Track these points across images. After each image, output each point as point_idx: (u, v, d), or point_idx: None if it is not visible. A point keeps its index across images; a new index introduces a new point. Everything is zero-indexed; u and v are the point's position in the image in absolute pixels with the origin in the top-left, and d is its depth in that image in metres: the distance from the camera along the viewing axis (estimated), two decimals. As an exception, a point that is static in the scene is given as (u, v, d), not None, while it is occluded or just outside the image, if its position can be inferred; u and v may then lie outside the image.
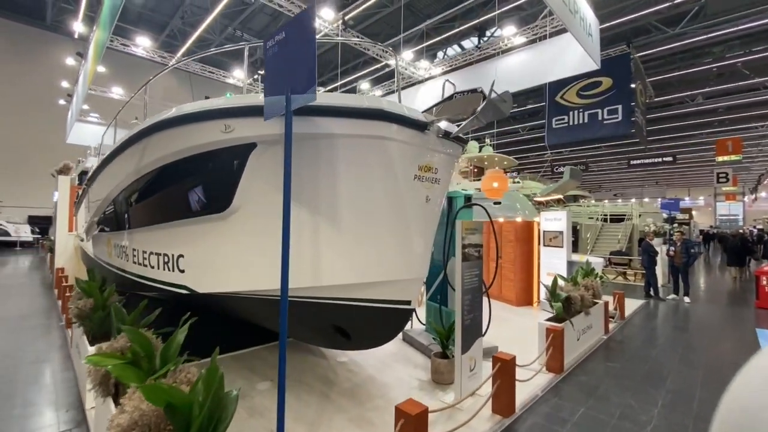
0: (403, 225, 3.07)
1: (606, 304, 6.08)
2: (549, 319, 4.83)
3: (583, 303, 5.02)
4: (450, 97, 3.15)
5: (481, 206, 4.92)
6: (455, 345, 3.73)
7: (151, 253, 3.94)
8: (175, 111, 3.16)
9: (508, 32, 12.85)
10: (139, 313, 3.02)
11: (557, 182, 17.19)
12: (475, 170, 20.80)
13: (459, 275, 3.71)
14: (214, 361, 2.10)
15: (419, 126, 2.97)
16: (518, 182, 17.94)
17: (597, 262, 8.23)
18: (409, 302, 3.24)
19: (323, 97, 2.77)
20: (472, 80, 12.03)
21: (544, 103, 15.39)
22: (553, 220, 7.51)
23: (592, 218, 18.07)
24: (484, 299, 4.76)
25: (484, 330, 4.91)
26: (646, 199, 41.28)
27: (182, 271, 3.63)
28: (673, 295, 9.15)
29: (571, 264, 7.23)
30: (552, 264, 7.47)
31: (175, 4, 22.05)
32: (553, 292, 4.94)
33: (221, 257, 3.38)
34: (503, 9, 13.19)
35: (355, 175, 2.90)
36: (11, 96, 23.70)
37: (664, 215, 23.64)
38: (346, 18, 14.92)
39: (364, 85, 20.44)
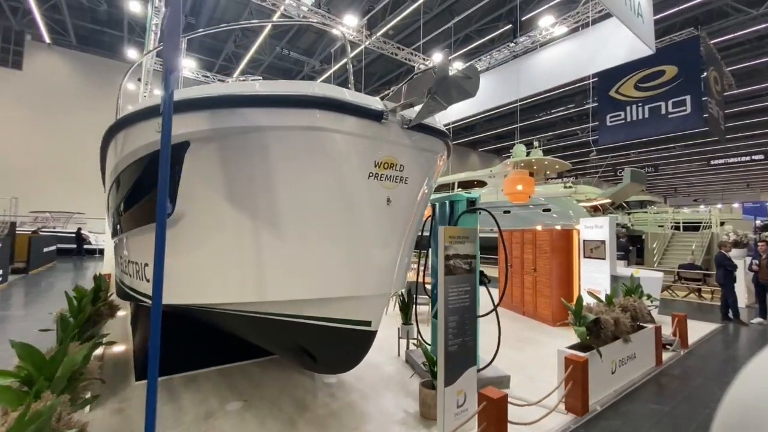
0: (355, 233, 2.63)
1: (658, 329, 5.00)
2: (573, 346, 4.01)
3: (618, 327, 4.11)
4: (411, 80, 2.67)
5: (487, 211, 4.28)
6: (437, 375, 3.15)
7: (129, 261, 3.89)
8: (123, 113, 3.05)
9: (546, 23, 11.81)
10: (81, 323, 2.89)
11: (618, 186, 15.40)
12: (523, 176, 19.42)
13: (442, 292, 3.15)
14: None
15: (371, 115, 2.53)
16: (571, 187, 16.36)
17: (655, 277, 6.99)
18: (368, 323, 2.77)
19: (244, 86, 2.46)
20: (509, 79, 11.22)
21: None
22: (594, 228, 6.49)
23: (662, 226, 15.88)
24: (486, 317, 4.13)
25: (492, 355, 4.29)
26: (735, 205, 35.83)
27: (148, 281, 3.51)
28: (759, 319, 7.48)
29: (616, 279, 6.16)
30: (593, 279, 6.44)
31: (229, 30, 23.65)
32: (577, 313, 4.11)
33: (172, 267, 3.18)
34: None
35: (293, 174, 2.53)
36: (95, 121, 27.00)
37: (758, 222, 20.19)
38: (387, 28, 14.84)
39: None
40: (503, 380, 4.21)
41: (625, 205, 17.48)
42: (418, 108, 2.49)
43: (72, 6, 20.52)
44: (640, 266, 12.49)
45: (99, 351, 4.84)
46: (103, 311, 4.07)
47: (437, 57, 14.37)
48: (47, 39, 24.12)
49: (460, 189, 21.39)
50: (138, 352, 4.73)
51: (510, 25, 11.97)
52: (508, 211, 17.68)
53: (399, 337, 5.25)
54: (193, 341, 4.47)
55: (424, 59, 14.38)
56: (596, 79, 12.85)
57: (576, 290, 6.96)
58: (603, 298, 4.73)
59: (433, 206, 4.81)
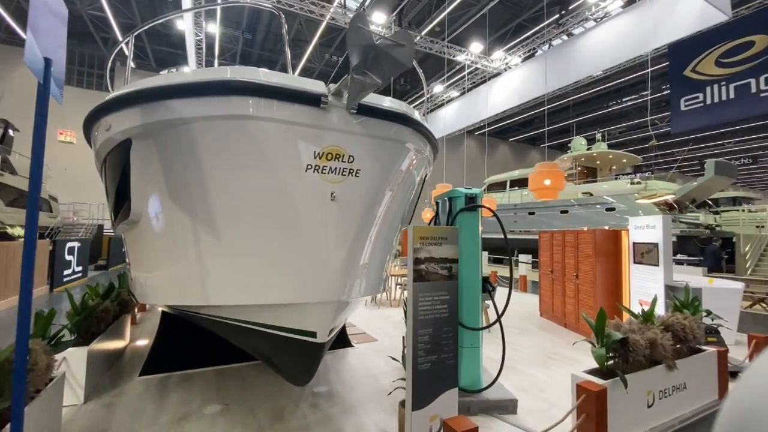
0: (292, 233, 2.36)
1: (722, 353, 4.00)
2: (593, 370, 3.33)
3: (655, 350, 3.32)
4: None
5: (489, 209, 3.75)
6: (406, 397, 2.75)
7: (125, 260, 4.04)
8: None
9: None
10: (50, 320, 2.98)
11: (699, 180, 13.23)
12: (585, 172, 17.70)
13: (411, 300, 2.75)
14: None
15: (305, 99, 2.25)
16: (639, 183, 14.42)
17: (732, 288, 5.74)
18: (313, 333, 2.48)
19: (167, 76, 2.31)
20: (556, 63, 10.15)
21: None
22: (645, 228, 5.47)
23: (762, 227, 13.33)
24: (489, 328, 3.64)
25: (508, 373, 3.77)
26: None
27: (132, 279, 3.59)
28: None
29: (672, 289, 5.12)
30: (645, 288, 5.43)
31: (283, 43, 24.83)
32: (598, 329, 3.40)
33: (138, 268, 3.19)
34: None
35: (222, 169, 2.34)
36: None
37: None
38: (433, 24, 14.42)
39: (438, 87, 19.50)
40: (508, 404, 3.64)
41: (710, 202, 14.97)
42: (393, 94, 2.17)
43: (150, 32, 23.07)
44: (724, 274, 10.52)
45: (121, 345, 5.16)
46: (109, 307, 4.27)
47: (475, 47, 13.57)
48: (132, 64, 27.31)
49: (515, 188, 20.05)
50: (150, 349, 4.94)
51: (557, 5, 10.83)
52: (566, 211, 16.15)
53: (404, 347, 4.87)
54: (195, 340, 4.55)
55: (460, 50, 13.66)
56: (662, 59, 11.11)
57: (626, 301, 5.96)
58: (644, 313, 3.89)
59: (437, 204, 4.38)
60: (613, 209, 14.50)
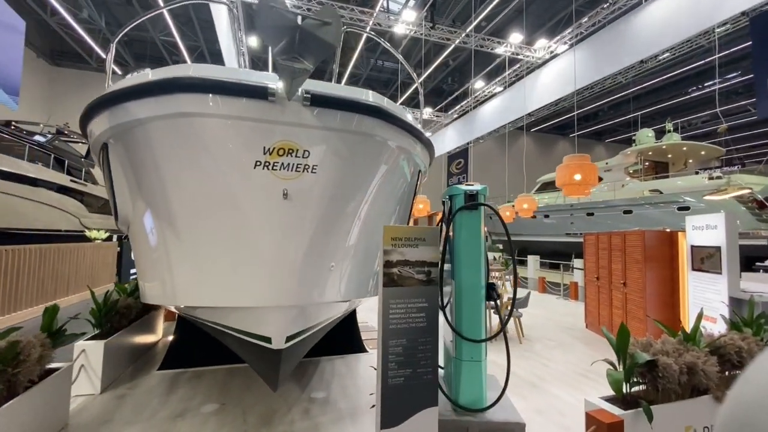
0: (242, 234, 2.27)
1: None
2: (612, 398, 2.80)
3: (695, 377, 2.70)
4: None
5: (491, 207, 3.37)
6: (376, 413, 2.51)
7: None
8: None
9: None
10: (54, 314, 3.20)
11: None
12: (654, 167, 15.81)
13: (381, 308, 2.52)
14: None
15: (252, 92, 2.15)
16: (720, 177, 12.45)
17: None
18: (268, 339, 2.35)
19: (126, 80, 2.33)
20: (608, 46, 9.10)
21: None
22: (704, 229, 4.59)
23: None
24: (491, 345, 3.31)
25: (498, 394, 3.37)
26: None
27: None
28: None
29: (738, 302, 4.22)
30: (706, 300, 4.55)
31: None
32: (620, 349, 2.85)
33: (136, 267, 3.31)
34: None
35: (177, 168, 2.31)
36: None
37: None
38: (480, 19, 13.89)
39: (479, 83, 18.61)
40: (514, 428, 3.21)
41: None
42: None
43: (212, 52, 25.10)
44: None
45: (151, 340, 5.52)
46: (132, 304, 4.57)
47: (515, 38, 12.67)
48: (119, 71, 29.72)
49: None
50: (168, 345, 5.20)
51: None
52: (630, 211, 14.51)
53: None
54: (209, 338, 4.69)
55: (499, 42, 12.78)
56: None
57: (684, 315, 5.08)
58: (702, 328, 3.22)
59: (443, 203, 4.08)
60: (687, 208, 12.69)
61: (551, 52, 11.59)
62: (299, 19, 1.69)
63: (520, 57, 12.86)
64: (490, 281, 3.57)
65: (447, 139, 18.79)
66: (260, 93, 2.14)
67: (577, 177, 5.35)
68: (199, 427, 3.30)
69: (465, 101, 20.51)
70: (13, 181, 8.28)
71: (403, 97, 25.91)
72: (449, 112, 22.55)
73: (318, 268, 2.44)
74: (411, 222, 4.71)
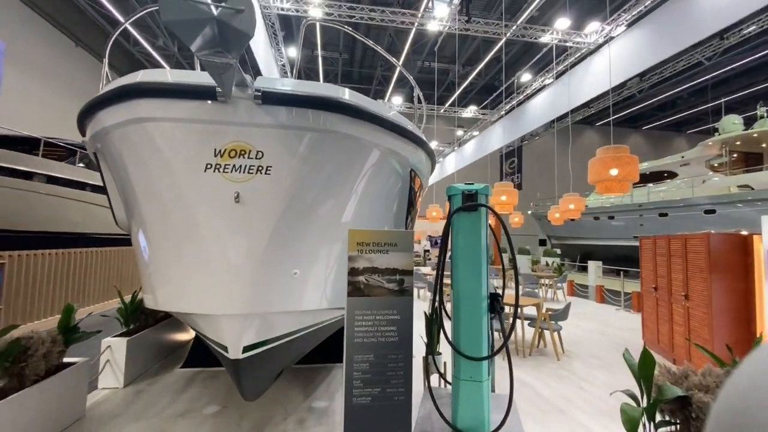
0: (195, 239, 2.21)
1: None
2: (632, 438, 2.29)
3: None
4: None
5: (490, 208, 3.00)
6: None
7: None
8: None
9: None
10: (69, 313, 3.44)
11: None
12: (742, 158, 13.61)
13: (346, 319, 2.31)
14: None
15: (198, 94, 2.09)
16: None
17: None
18: (225, 348, 2.26)
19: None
20: (670, 23, 7.90)
21: None
22: (786, 232, 3.67)
23: None
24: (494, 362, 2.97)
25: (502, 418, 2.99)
26: None
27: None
28: None
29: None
30: (790, 321, 3.65)
31: (377, 57, 25.81)
32: (644, 376, 2.33)
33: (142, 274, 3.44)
34: None
35: (139, 174, 2.33)
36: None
37: None
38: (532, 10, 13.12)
39: (525, 76, 17.35)
40: (518, 461, 2.81)
41: None
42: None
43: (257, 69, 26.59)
44: None
45: (183, 338, 5.84)
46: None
47: (561, 23, 11.53)
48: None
49: (640, 184, 16.56)
50: (192, 344, 5.43)
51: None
52: (712, 211, 12.56)
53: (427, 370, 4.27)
54: None
55: (543, 30, 11.68)
56: None
57: (764, 333, 4.15)
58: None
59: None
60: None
61: (605, 35, 10.36)
62: (213, 9, 1.58)
63: (569, 44, 11.73)
64: (492, 292, 3.19)
65: (496, 137, 17.87)
66: (208, 94, 2.07)
67: (614, 172, 4.61)
68: (195, 428, 3.35)
69: (515, 96, 19.40)
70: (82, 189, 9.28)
71: (454, 96, 25.26)
72: (496, 109, 21.51)
73: (276, 275, 2.32)
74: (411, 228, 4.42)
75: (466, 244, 3.07)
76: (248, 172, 2.18)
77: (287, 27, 21.13)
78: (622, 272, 9.94)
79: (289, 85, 2.21)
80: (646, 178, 16.22)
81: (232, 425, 3.41)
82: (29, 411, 2.87)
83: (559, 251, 21.08)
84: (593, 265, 12.66)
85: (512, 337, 5.98)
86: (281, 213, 2.26)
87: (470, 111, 24.37)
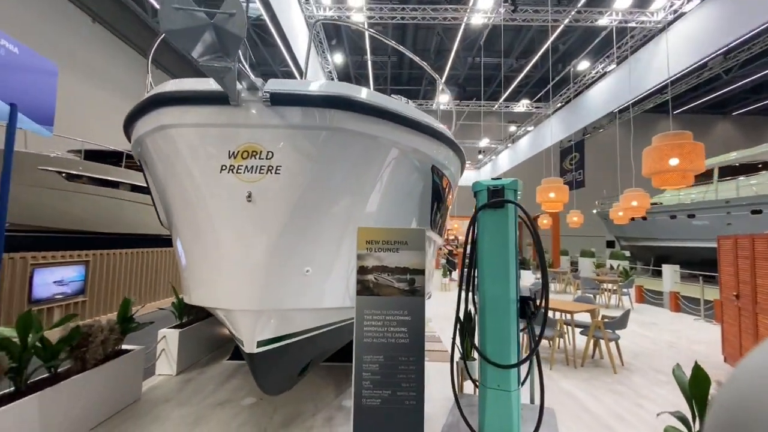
0: (213, 238, 2.33)
1: None
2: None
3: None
4: None
5: (517, 204, 2.80)
6: (352, 432, 2.27)
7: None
8: None
9: None
10: (127, 306, 3.81)
11: None
12: None
13: (356, 319, 2.29)
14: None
15: (213, 99, 2.21)
16: None
17: None
18: (242, 341, 2.35)
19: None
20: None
21: None
22: None
23: None
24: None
25: None
26: None
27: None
28: None
29: None
30: None
31: (425, 58, 25.61)
32: (695, 398, 1.99)
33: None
34: None
35: (169, 178, 2.49)
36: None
37: None
38: None
39: (583, 64, 15.94)
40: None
41: None
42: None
43: (267, 75, 27.63)
44: None
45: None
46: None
47: (621, 2, 10.32)
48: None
49: (727, 177, 14.48)
50: None
51: None
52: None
53: (456, 376, 4.09)
54: None
55: (600, 12, 10.55)
56: None
57: None
58: None
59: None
60: None
61: (674, 11, 9.14)
62: (208, 16, 1.65)
63: (631, 25, 10.55)
64: (524, 296, 2.97)
65: (552, 132, 16.76)
66: (221, 99, 2.18)
67: (674, 162, 3.98)
68: (231, 418, 3.54)
69: (572, 87, 18.05)
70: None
71: (508, 92, 24.24)
72: (551, 101, 20.18)
73: (286, 273, 2.36)
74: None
75: (492, 243, 2.89)
76: (259, 172, 2.25)
77: (337, 34, 21.78)
78: (701, 277, 8.75)
79: (297, 85, 2.25)
80: (736, 170, 14.14)
81: (264, 417, 3.54)
82: (91, 391, 3.24)
83: (628, 253, 19.17)
84: (669, 270, 11.28)
85: (563, 345, 5.53)
86: (291, 211, 2.30)
87: (522, 105, 23.18)
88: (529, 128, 22.66)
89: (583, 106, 13.59)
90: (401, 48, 3.57)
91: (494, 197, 2.92)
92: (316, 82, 2.31)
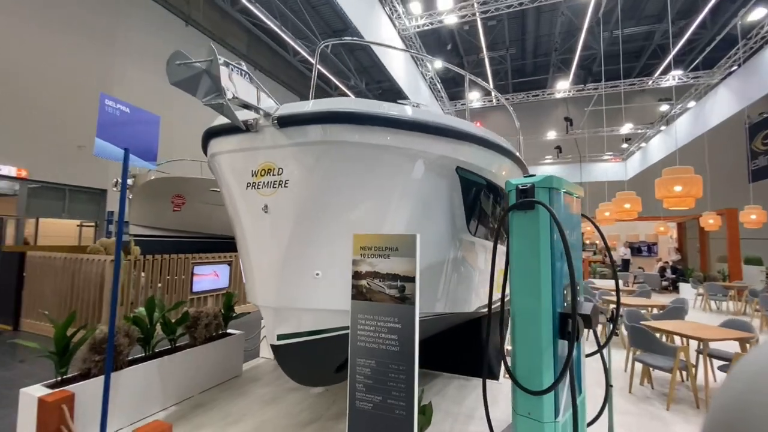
0: (244, 246, 2.75)
1: None
2: None
3: None
4: None
5: (545, 206, 2.41)
6: (349, 432, 2.34)
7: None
8: None
9: None
10: (230, 298, 4.69)
11: None
12: None
13: (351, 322, 2.37)
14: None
15: (237, 128, 2.64)
16: None
17: None
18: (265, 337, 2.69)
19: None
20: None
21: None
22: None
23: None
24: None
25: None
26: None
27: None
28: None
29: None
30: None
31: (551, 43, 23.10)
32: None
33: None
34: None
35: (224, 197, 3.01)
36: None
37: None
38: None
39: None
40: None
41: None
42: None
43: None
44: None
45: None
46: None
47: None
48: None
49: None
50: None
51: None
52: None
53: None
54: None
55: None
56: None
57: None
58: None
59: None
60: None
61: None
62: (205, 64, 2.03)
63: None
64: (563, 311, 2.54)
65: (722, 105, 12.92)
66: (243, 127, 2.59)
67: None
68: (298, 402, 4.01)
69: (740, 46, 13.51)
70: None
71: (667, 60, 19.85)
72: (717, 67, 15.53)
73: (298, 275, 2.60)
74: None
75: (521, 250, 2.58)
76: (273, 187, 2.57)
77: (452, 38, 21.69)
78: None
79: (299, 107, 2.49)
80: None
81: (322, 406, 3.90)
82: (200, 363, 4.15)
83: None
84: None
85: (689, 381, 4.31)
86: (298, 220, 2.55)
87: (673, 77, 18.59)
88: (689, 104, 18.01)
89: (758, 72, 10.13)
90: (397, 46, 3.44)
91: (523, 197, 2.59)
92: (315, 101, 2.52)
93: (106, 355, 2.97)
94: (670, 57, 19.59)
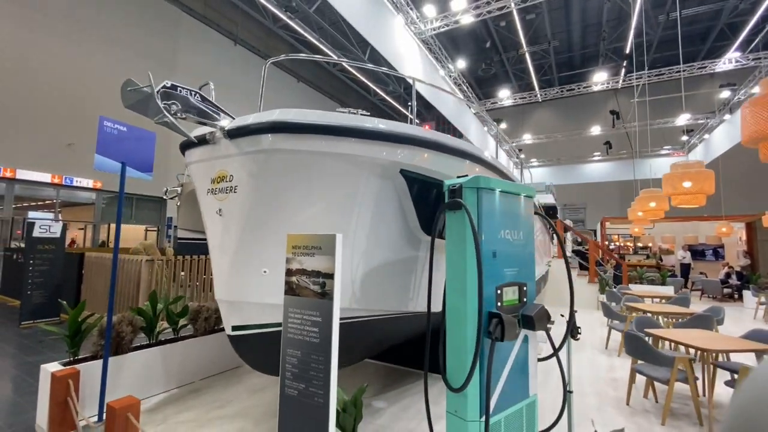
0: (209, 246, 3.07)
1: None
2: None
3: None
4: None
5: (463, 205, 2.43)
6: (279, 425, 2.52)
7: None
8: None
9: None
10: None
11: None
12: None
13: (284, 315, 2.57)
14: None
15: (200, 141, 2.97)
16: None
17: None
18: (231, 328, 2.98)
19: None
20: None
21: None
22: None
23: None
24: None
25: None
26: None
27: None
28: None
29: None
30: None
31: (595, 34, 21.68)
32: None
33: None
34: None
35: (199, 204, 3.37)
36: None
37: None
38: None
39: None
40: None
41: None
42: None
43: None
44: None
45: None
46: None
47: None
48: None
49: None
50: None
51: None
52: None
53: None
54: None
55: None
56: None
57: None
58: None
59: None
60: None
61: None
62: (151, 89, 2.37)
63: None
64: (495, 311, 2.53)
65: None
66: (203, 140, 2.92)
67: None
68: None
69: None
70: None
71: (736, 43, 17.70)
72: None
73: (248, 272, 2.84)
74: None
75: (452, 249, 2.61)
76: (225, 192, 2.85)
77: (490, 35, 21.20)
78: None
79: (244, 120, 2.75)
80: None
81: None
82: (201, 352, 4.59)
83: None
84: None
85: (692, 393, 3.90)
86: (245, 222, 2.80)
87: (729, 60, 16.43)
88: (753, 90, 15.83)
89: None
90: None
91: (451, 197, 2.62)
92: (257, 114, 2.76)
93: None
94: (741, 37, 17.47)
